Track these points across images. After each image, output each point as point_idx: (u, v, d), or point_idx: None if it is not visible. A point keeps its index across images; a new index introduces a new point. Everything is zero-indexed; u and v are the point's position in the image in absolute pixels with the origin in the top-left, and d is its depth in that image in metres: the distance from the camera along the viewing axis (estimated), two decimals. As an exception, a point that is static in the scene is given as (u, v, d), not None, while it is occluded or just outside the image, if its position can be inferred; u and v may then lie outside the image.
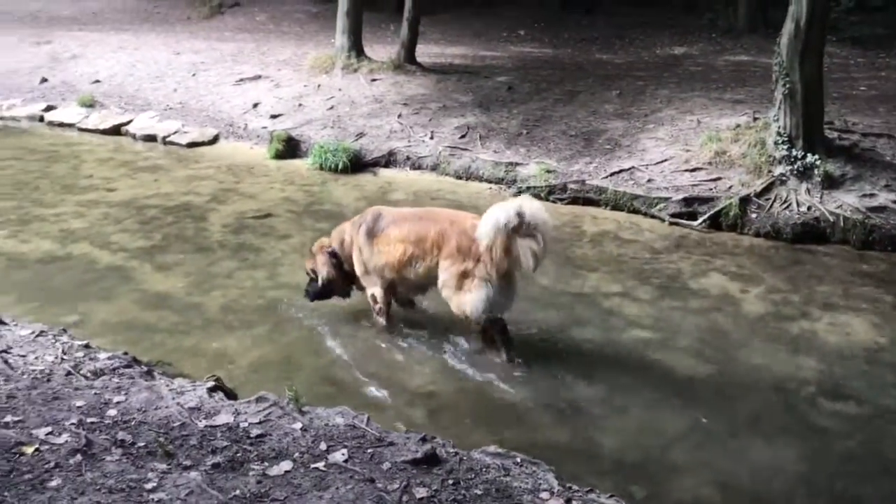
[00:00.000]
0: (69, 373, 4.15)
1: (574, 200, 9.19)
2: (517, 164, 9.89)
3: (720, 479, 4.20)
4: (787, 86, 8.44)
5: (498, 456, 3.57)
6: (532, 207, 4.84)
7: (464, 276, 5.14)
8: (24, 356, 4.33)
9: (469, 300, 5.14)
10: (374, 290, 5.74)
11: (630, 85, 12.29)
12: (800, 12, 8.23)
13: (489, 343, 5.39)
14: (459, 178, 10.11)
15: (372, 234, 5.58)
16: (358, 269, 5.75)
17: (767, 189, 8.44)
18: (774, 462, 4.36)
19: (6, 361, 4.15)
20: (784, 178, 8.45)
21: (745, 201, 8.36)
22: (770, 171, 8.58)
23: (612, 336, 5.85)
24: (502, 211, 4.82)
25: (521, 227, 4.80)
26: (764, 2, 17.07)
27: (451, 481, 3.21)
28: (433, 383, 5.11)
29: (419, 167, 10.51)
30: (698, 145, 9.47)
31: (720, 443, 4.54)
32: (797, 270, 7.27)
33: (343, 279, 5.85)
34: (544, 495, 3.22)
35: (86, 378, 4.12)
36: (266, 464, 3.23)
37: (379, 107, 12.09)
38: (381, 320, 5.80)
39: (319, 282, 5.82)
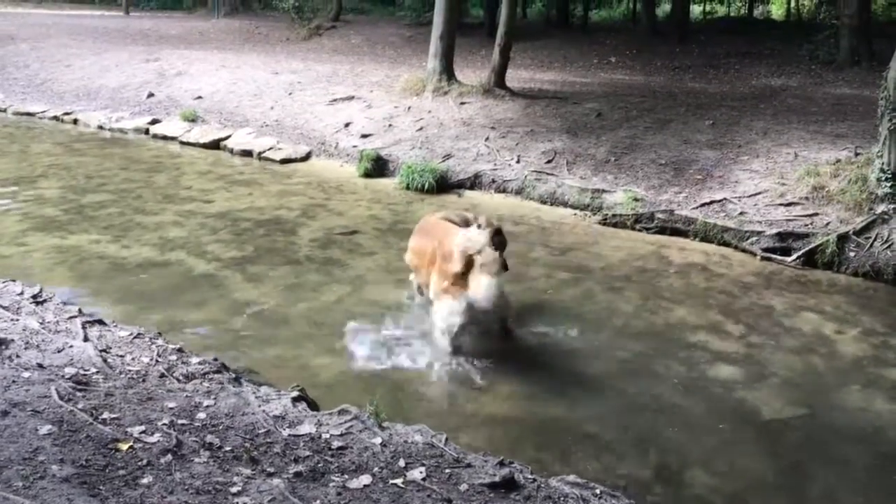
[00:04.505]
0: (163, 375, 4.32)
1: (661, 230, 9.02)
2: (604, 190, 9.80)
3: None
4: (894, 120, 8.09)
5: (577, 486, 3.52)
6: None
7: None
8: (121, 356, 4.53)
9: None
10: (458, 301, 5.39)
11: (724, 115, 12.00)
12: (910, 44, 7.91)
13: None
14: (544, 202, 10.09)
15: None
16: (443, 279, 5.46)
17: (868, 227, 8.07)
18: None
19: (105, 361, 4.36)
20: (887, 216, 8.06)
21: (843, 239, 8.02)
22: (871, 209, 8.21)
23: (697, 372, 5.69)
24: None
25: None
26: (868, 33, 16.39)
27: (528, 508, 3.18)
28: (512, 408, 5.09)
29: (504, 190, 10.54)
30: (795, 179, 9.16)
31: (809, 490, 4.35)
32: (898, 313, 6.93)
33: None
34: (623, 529, 3.16)
35: (178, 381, 4.28)
36: (346, 476, 3.28)
37: (467, 129, 12.20)
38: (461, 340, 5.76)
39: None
